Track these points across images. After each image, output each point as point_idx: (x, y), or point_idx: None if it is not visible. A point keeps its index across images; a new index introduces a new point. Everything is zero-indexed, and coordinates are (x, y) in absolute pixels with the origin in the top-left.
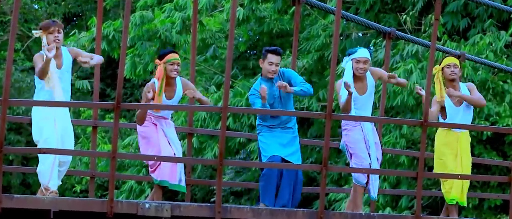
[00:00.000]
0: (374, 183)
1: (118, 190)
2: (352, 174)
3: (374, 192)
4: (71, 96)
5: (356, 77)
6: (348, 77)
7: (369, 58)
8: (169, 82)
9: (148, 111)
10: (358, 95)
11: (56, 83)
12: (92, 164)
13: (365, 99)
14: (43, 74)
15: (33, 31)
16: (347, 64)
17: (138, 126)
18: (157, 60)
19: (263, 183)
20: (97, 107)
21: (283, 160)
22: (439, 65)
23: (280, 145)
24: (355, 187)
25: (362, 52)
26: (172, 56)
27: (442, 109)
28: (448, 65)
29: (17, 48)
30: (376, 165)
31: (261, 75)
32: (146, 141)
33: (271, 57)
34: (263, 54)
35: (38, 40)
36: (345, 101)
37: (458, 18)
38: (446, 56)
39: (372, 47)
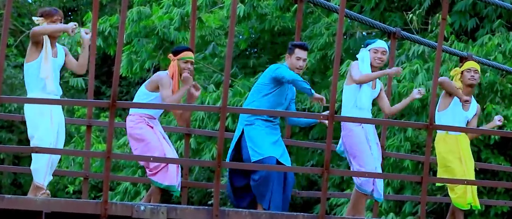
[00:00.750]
0: (378, 183)
1: (112, 192)
2: (355, 180)
3: (379, 193)
4: (63, 93)
5: (372, 69)
6: (366, 66)
7: (388, 51)
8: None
9: (141, 112)
10: (369, 89)
11: (50, 73)
12: (86, 164)
13: (372, 95)
14: (55, 31)
15: (34, 18)
16: (364, 54)
17: (131, 128)
18: (171, 55)
19: (264, 186)
20: (91, 106)
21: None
22: (459, 67)
23: (272, 144)
24: (359, 194)
25: (381, 43)
26: (187, 54)
27: (447, 97)
28: (469, 69)
29: (10, 44)
30: (379, 167)
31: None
32: (144, 144)
33: (299, 52)
34: (289, 49)
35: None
36: (368, 74)
37: (466, 18)
38: (467, 60)
39: None
